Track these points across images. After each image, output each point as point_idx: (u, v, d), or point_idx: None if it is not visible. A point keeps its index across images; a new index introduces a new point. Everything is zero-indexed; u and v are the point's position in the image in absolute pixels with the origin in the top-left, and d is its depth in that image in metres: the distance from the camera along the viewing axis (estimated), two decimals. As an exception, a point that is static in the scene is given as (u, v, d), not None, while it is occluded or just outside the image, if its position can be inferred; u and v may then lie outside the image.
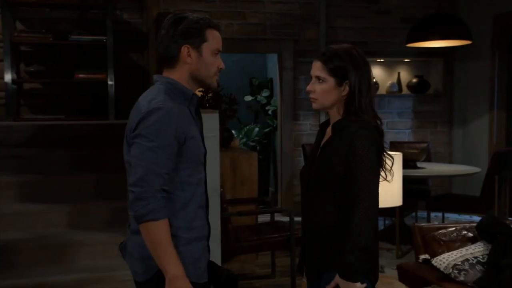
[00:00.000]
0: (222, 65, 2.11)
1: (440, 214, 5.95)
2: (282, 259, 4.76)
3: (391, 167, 2.19)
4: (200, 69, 2.06)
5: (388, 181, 2.22)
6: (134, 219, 1.90)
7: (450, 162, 6.91)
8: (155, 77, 2.12)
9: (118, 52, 6.04)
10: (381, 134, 2.15)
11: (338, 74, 2.16)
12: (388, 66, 6.97)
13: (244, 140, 7.85)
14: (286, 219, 4.93)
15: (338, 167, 2.08)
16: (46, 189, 4.36)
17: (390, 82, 6.91)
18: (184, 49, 2.03)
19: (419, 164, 5.53)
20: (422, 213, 6.26)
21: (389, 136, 6.86)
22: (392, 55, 6.85)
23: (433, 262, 3.09)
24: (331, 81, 2.17)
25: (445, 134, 7.04)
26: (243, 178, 4.76)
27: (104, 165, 4.67)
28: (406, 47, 6.33)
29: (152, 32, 5.57)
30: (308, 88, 2.22)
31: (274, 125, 7.79)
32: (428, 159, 6.23)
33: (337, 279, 2.03)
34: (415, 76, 6.93)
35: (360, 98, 2.15)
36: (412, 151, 6.10)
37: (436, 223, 5.07)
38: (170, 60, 2.06)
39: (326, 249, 2.13)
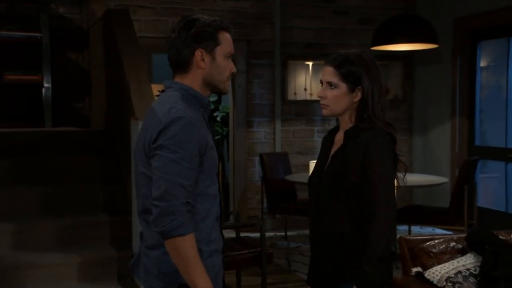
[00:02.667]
0: (234, 69, 2.21)
1: (406, 227, 6.21)
2: (248, 278, 4.85)
3: (404, 175, 2.34)
4: (213, 73, 2.15)
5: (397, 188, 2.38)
6: (160, 235, 1.97)
7: (411, 171, 7.25)
8: (167, 82, 2.19)
9: (55, 51, 5.96)
10: (394, 141, 2.30)
11: (351, 79, 2.29)
12: (346, 69, 7.22)
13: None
14: (247, 234, 5.04)
15: (352, 175, 2.22)
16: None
17: (348, 87, 7.17)
18: (198, 53, 2.12)
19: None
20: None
21: (348, 145, 7.09)
22: (350, 58, 7.11)
23: (425, 275, 3.29)
24: (343, 87, 2.30)
25: (405, 142, 7.37)
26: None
27: (48, 177, 4.62)
28: (363, 49, 6.60)
29: (97, 29, 5.55)
30: (319, 94, 2.35)
31: (224, 133, 7.88)
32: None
33: (354, 290, 2.16)
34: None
35: (373, 104, 2.29)
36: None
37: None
38: (183, 65, 2.14)
39: (341, 260, 2.26)
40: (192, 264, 1.97)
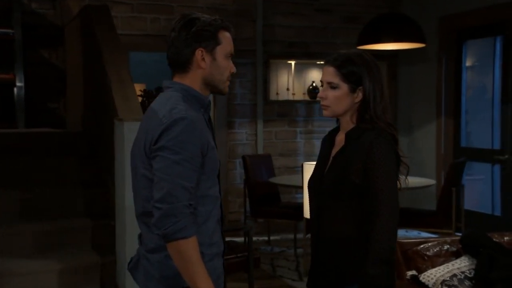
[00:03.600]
0: (233, 69, 2.26)
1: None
2: (234, 284, 4.88)
3: (406, 176, 2.41)
4: (213, 73, 2.19)
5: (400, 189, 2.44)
6: (162, 237, 2.00)
7: (395, 173, 7.36)
8: (166, 82, 2.23)
9: (28, 49, 5.93)
10: (396, 142, 2.37)
11: (352, 80, 2.35)
12: (329, 69, 7.29)
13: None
14: (231, 238, 5.08)
15: (355, 177, 2.28)
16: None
17: (331, 86, 7.24)
18: (198, 53, 2.16)
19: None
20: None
21: (332, 146, 7.18)
22: (333, 57, 7.19)
23: (421, 278, 3.37)
24: (344, 87, 2.36)
25: (389, 143, 7.46)
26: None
27: (25, 180, 4.61)
28: (346, 48, 6.66)
29: (74, 26, 5.54)
30: (320, 94, 2.40)
31: (203, 134, 7.89)
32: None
33: (358, 293, 2.22)
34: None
35: (375, 105, 2.35)
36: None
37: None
38: (182, 65, 2.18)
39: (344, 262, 2.32)
40: (195, 267, 2.01)
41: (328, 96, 2.38)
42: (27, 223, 4.32)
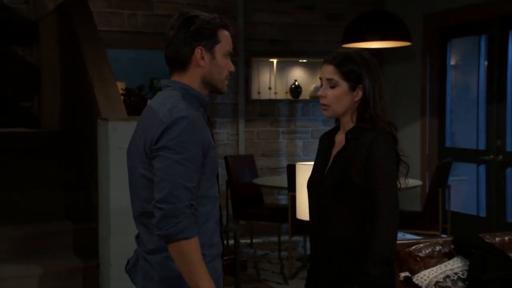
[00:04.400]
0: (232, 68, 2.31)
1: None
2: None
3: (406, 175, 2.48)
4: (213, 72, 2.24)
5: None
6: (164, 238, 2.03)
7: (379, 174, 7.45)
8: (164, 81, 2.26)
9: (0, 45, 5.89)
10: (396, 141, 2.43)
11: (352, 78, 2.41)
12: (312, 67, 7.35)
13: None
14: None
15: (356, 177, 2.34)
16: None
17: (313, 85, 7.30)
18: (198, 51, 2.20)
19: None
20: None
21: (314, 147, 7.22)
22: (316, 56, 7.24)
23: (414, 279, 3.43)
24: (344, 85, 2.41)
25: (373, 143, 7.55)
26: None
27: (2, 182, 4.57)
28: (330, 46, 6.76)
29: (50, 21, 5.51)
30: (319, 93, 2.45)
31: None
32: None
33: (358, 294, 2.27)
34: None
35: (375, 104, 2.42)
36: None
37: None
38: (181, 63, 2.22)
39: (344, 263, 2.38)
40: (197, 268, 2.05)
41: (328, 95, 2.43)
42: (4, 227, 4.28)
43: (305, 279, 5.47)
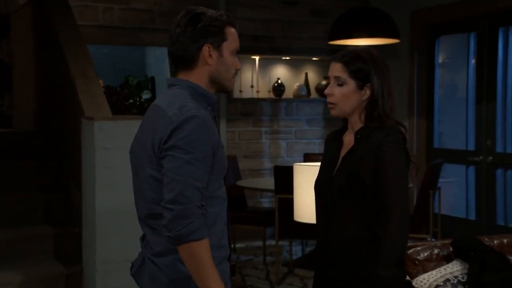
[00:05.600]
0: (239, 66, 2.36)
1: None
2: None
3: (415, 175, 2.54)
4: (220, 70, 2.28)
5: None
6: (174, 240, 2.06)
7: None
8: (171, 80, 2.29)
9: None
10: (405, 140, 2.49)
11: (360, 76, 2.47)
12: (295, 65, 7.42)
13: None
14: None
15: (366, 177, 2.39)
16: None
17: (297, 84, 7.37)
18: (205, 49, 2.24)
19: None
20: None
21: (298, 147, 7.32)
22: (300, 53, 7.32)
23: (413, 283, 3.50)
24: (351, 83, 2.47)
25: (358, 144, 7.63)
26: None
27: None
28: (314, 43, 6.83)
29: (24, 15, 5.49)
30: (327, 91, 2.50)
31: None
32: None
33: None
34: (325, 78, 7.40)
35: (383, 102, 2.48)
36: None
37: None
38: (188, 61, 2.26)
39: (354, 265, 2.43)
40: (208, 270, 2.09)
41: (335, 93, 2.48)
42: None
43: (292, 285, 5.54)
